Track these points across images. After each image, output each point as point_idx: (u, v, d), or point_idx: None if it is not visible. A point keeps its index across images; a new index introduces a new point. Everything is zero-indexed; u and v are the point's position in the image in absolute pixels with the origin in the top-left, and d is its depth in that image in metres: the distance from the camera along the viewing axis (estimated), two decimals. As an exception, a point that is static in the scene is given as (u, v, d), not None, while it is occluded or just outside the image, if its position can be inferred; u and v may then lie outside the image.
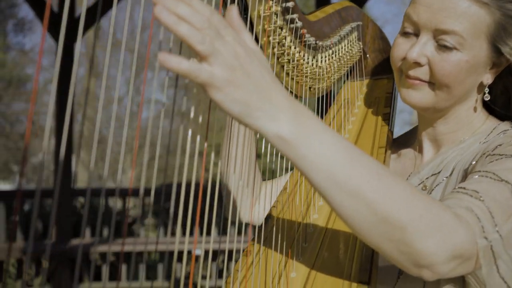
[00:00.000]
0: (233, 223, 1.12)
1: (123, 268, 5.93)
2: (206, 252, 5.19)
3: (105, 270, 6.00)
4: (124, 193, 6.04)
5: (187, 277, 5.41)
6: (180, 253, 5.06)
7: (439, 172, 1.03)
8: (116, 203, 6.26)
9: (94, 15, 5.55)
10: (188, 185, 0.67)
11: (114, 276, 6.27)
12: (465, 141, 1.04)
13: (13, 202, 6.10)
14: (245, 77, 0.65)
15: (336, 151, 0.71)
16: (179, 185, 0.67)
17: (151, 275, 6.14)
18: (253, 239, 1.00)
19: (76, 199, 6.84)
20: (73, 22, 5.47)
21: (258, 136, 1.12)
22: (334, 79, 1.16)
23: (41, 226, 6.12)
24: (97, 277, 6.06)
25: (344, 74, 1.24)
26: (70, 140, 5.87)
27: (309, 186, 1.09)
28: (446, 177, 1.01)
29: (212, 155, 0.77)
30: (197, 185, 0.69)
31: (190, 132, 0.68)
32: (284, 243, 0.97)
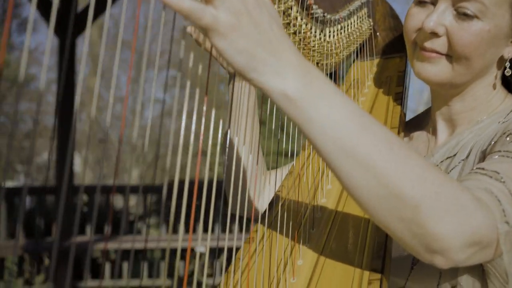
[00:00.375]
0: (235, 219, 1.05)
1: (125, 265, 5.87)
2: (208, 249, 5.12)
3: (106, 268, 5.95)
4: (126, 190, 5.98)
5: (190, 275, 5.35)
6: (183, 250, 5.00)
7: (454, 155, 0.95)
8: (111, 200, 6.21)
9: (96, 11, 5.50)
10: (189, 183, 0.62)
11: (116, 273, 6.22)
12: (482, 121, 0.96)
13: (14, 199, 6.06)
14: (252, 26, 0.59)
15: (345, 116, 0.65)
16: (181, 183, 0.61)
17: (153, 273, 6.07)
18: (256, 226, 0.93)
19: (77, 197, 6.78)
20: (75, 17, 5.41)
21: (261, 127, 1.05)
22: (343, 55, 1.09)
23: (43, 223, 6.07)
24: (98, 275, 6.00)
25: (354, 52, 1.17)
26: (69, 138, 5.81)
27: (317, 169, 1.02)
28: (462, 160, 0.93)
29: (208, 153, 0.72)
30: (198, 182, 0.63)
31: (182, 129, 0.62)
32: (290, 229, 0.90)
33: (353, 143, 0.65)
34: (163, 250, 5.88)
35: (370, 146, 0.65)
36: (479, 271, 0.85)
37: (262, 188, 1.15)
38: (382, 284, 0.77)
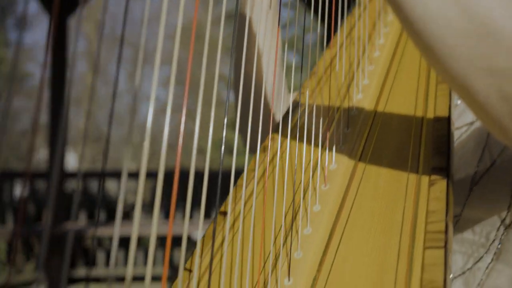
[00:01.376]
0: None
1: (120, 253, 5.66)
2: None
3: (100, 256, 5.74)
4: (119, 176, 5.77)
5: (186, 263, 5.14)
6: (179, 238, 4.78)
7: None
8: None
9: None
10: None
11: (109, 261, 6.00)
12: None
13: (3, 185, 5.85)
14: None
15: None
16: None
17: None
18: (274, 134, 0.73)
19: (69, 183, 6.57)
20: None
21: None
22: None
23: (33, 209, 5.86)
24: (92, 263, 5.79)
25: None
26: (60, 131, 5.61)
27: (349, 64, 0.81)
28: None
29: (209, 149, 0.57)
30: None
31: (167, 123, 0.47)
32: (320, 129, 0.70)
33: None
34: (160, 238, 5.65)
35: None
36: None
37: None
38: (448, 185, 0.57)
